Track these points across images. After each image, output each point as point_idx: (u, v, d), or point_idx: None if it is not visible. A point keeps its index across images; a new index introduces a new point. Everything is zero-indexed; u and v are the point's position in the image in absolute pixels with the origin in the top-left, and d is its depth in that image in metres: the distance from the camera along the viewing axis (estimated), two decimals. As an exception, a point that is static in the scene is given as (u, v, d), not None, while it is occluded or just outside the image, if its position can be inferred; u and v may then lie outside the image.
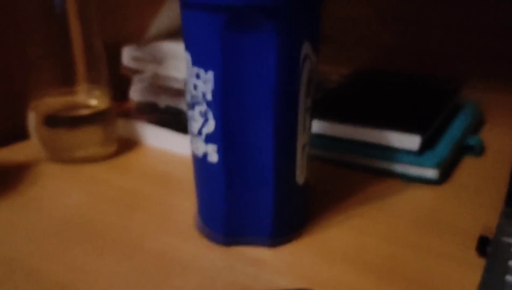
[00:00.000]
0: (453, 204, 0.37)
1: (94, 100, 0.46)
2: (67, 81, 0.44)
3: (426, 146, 0.42)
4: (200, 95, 0.29)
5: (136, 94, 0.58)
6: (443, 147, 0.42)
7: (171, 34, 0.57)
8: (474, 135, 0.49)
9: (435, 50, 0.60)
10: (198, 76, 0.29)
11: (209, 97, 0.29)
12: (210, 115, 0.29)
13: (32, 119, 0.44)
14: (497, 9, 0.54)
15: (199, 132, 0.30)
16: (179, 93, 0.51)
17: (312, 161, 0.45)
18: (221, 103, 0.28)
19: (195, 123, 0.31)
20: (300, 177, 0.32)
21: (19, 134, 0.48)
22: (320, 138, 0.44)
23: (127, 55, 0.54)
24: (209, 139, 0.30)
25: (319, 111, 0.45)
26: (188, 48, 0.30)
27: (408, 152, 0.41)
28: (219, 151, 0.30)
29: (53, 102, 0.44)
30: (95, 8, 0.44)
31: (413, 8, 0.61)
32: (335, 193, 0.39)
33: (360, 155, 0.43)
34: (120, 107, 0.54)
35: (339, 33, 0.67)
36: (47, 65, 0.43)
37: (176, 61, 0.50)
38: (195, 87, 0.29)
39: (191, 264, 0.30)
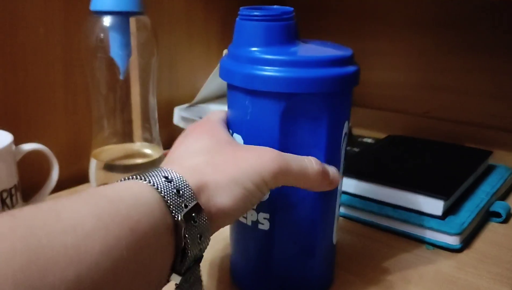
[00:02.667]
0: (472, 273, 0.39)
1: (148, 150, 0.52)
2: (125, 136, 0.50)
3: (450, 210, 0.44)
4: None
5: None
6: (467, 213, 0.44)
7: (218, 97, 0.62)
8: (502, 200, 0.50)
9: (468, 118, 0.62)
10: None
11: None
12: None
13: (93, 165, 0.50)
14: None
15: None
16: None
17: (340, 218, 0.48)
18: None
19: None
20: (335, 237, 0.35)
21: (82, 178, 0.54)
22: (348, 197, 0.47)
23: (178, 115, 0.60)
24: (261, 208, 0.32)
25: (349, 171, 0.49)
26: (240, 131, 0.32)
27: (432, 217, 0.43)
28: (271, 219, 0.32)
29: (112, 151, 0.50)
30: (155, 74, 0.50)
31: (448, 75, 0.64)
32: (357, 253, 0.41)
33: (385, 217, 0.45)
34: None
35: (375, 99, 0.70)
36: (109, 122, 0.49)
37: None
38: None
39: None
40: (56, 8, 0.50)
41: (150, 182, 0.24)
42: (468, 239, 0.43)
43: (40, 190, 0.46)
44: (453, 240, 0.42)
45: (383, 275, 0.38)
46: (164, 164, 0.28)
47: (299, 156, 0.29)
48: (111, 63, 0.47)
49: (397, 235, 0.45)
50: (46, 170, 0.45)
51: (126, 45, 0.46)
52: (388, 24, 0.68)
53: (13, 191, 0.40)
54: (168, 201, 0.24)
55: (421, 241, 0.43)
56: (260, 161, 0.27)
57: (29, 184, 0.46)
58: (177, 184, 0.24)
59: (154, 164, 0.50)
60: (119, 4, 0.44)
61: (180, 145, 0.30)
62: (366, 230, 0.46)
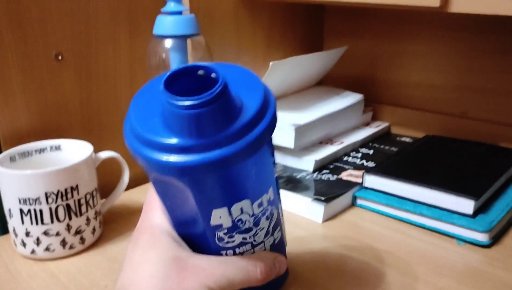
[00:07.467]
0: (500, 267, 0.43)
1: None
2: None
3: (481, 209, 0.48)
4: (265, 204, 0.34)
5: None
6: (497, 212, 0.47)
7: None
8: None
9: (505, 119, 0.64)
10: (261, 204, 0.33)
11: (272, 197, 0.35)
12: (274, 210, 0.35)
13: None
14: None
15: (268, 233, 0.35)
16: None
17: (377, 215, 0.52)
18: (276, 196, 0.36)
19: (261, 232, 0.35)
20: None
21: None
22: (385, 196, 0.52)
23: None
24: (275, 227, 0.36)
25: (385, 171, 0.53)
26: (244, 195, 0.32)
27: (463, 215, 0.47)
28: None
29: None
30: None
31: (485, 76, 0.66)
32: (393, 247, 0.46)
33: (419, 215, 0.49)
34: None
35: (414, 99, 0.73)
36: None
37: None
38: (260, 204, 0.33)
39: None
40: (122, 32, 0.58)
41: None
42: (497, 236, 0.47)
43: (114, 190, 0.53)
44: (482, 237, 0.45)
45: (416, 267, 0.43)
46: None
47: (243, 264, 0.32)
48: (171, 78, 0.53)
49: (430, 231, 0.49)
50: (117, 171, 0.52)
51: (184, 63, 0.52)
52: (425, 25, 0.70)
53: (94, 193, 0.48)
54: None
55: (452, 237, 0.47)
56: (203, 281, 0.29)
57: (103, 184, 0.53)
58: None
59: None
60: (179, 29, 0.50)
61: (130, 263, 0.30)
62: (401, 226, 0.50)
